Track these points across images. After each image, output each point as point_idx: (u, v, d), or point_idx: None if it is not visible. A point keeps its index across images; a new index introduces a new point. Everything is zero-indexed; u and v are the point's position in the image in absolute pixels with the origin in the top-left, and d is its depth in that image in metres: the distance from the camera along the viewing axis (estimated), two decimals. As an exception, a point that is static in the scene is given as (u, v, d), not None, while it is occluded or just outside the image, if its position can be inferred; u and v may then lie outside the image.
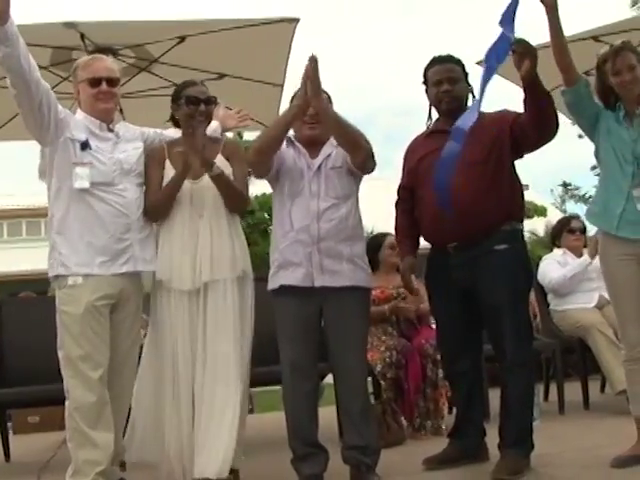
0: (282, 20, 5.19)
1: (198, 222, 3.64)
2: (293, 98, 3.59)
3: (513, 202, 3.72)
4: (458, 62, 3.80)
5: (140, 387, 3.68)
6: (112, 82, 3.63)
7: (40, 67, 5.26)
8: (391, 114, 54.02)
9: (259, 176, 3.67)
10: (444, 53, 3.85)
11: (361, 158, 3.55)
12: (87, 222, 3.49)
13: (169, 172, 3.70)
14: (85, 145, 3.52)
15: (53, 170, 3.55)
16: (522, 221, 3.81)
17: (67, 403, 3.47)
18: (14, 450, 4.95)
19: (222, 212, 3.69)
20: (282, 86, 5.89)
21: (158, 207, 3.68)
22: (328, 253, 3.50)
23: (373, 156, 3.61)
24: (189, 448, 3.56)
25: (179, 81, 5.73)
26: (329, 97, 3.64)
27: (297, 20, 5.20)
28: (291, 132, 3.67)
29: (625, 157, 3.57)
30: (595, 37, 5.17)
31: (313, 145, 3.64)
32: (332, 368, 3.69)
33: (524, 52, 3.38)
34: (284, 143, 3.63)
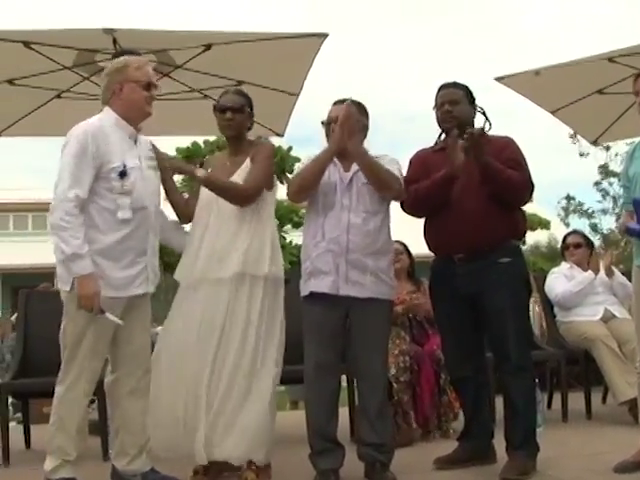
0: (312, 35, 5.25)
1: (208, 221, 3.84)
2: (323, 123, 3.81)
3: (518, 221, 3.96)
4: (461, 87, 4.03)
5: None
6: (155, 89, 3.73)
7: (64, 67, 5.49)
8: (397, 120, 54.02)
9: (299, 202, 3.93)
10: (450, 80, 4.09)
11: (390, 197, 3.82)
12: (128, 246, 3.57)
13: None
14: (123, 174, 3.54)
15: (94, 197, 3.52)
16: (522, 239, 4.03)
17: None
18: (33, 438, 5.08)
19: (228, 214, 3.82)
20: (297, 95, 5.99)
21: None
22: (354, 265, 3.69)
23: (403, 194, 3.83)
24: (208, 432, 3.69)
25: (198, 87, 5.95)
26: (366, 125, 3.86)
27: (326, 35, 5.24)
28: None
29: None
30: (610, 58, 5.34)
31: (344, 157, 3.80)
32: (354, 369, 3.90)
33: (469, 145, 3.70)
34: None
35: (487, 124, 4.01)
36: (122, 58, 3.76)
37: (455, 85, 4.04)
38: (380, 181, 3.72)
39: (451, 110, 3.95)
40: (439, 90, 4.05)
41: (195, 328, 3.77)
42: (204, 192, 3.88)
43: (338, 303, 3.70)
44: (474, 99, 4.04)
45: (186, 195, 4.20)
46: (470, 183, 3.81)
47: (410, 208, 3.99)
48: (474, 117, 4.03)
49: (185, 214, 4.01)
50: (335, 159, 3.80)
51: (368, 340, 3.73)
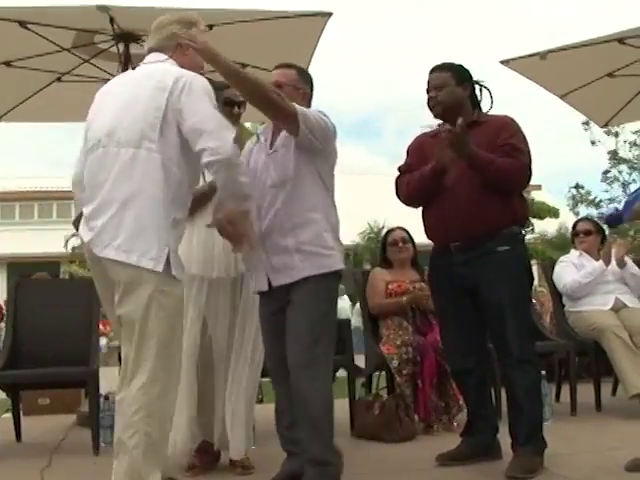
0: (316, 14, 5.07)
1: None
2: None
3: (516, 207, 3.77)
4: (447, 68, 3.83)
5: None
6: None
7: (62, 49, 5.32)
8: (404, 108, 53.84)
9: None
10: (439, 62, 3.90)
11: (280, 120, 3.27)
12: None
13: None
14: None
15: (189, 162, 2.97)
16: (523, 226, 3.90)
17: None
18: (24, 431, 4.94)
19: None
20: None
21: None
22: (274, 250, 3.27)
23: (297, 119, 3.17)
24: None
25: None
26: (308, 93, 3.51)
27: (330, 14, 5.06)
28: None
29: None
30: (620, 39, 5.15)
31: (277, 127, 3.40)
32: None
33: (450, 141, 3.54)
34: (253, 143, 3.51)
35: (487, 101, 3.86)
36: (192, 14, 3.28)
37: (441, 68, 3.85)
38: (256, 98, 3.17)
39: (434, 96, 3.79)
40: (428, 74, 3.88)
41: (217, 322, 3.75)
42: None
43: (276, 296, 3.28)
44: (465, 78, 3.84)
45: None
46: (465, 169, 3.63)
47: (405, 199, 3.88)
48: (465, 97, 3.82)
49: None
50: (263, 137, 3.44)
51: (290, 330, 3.22)
